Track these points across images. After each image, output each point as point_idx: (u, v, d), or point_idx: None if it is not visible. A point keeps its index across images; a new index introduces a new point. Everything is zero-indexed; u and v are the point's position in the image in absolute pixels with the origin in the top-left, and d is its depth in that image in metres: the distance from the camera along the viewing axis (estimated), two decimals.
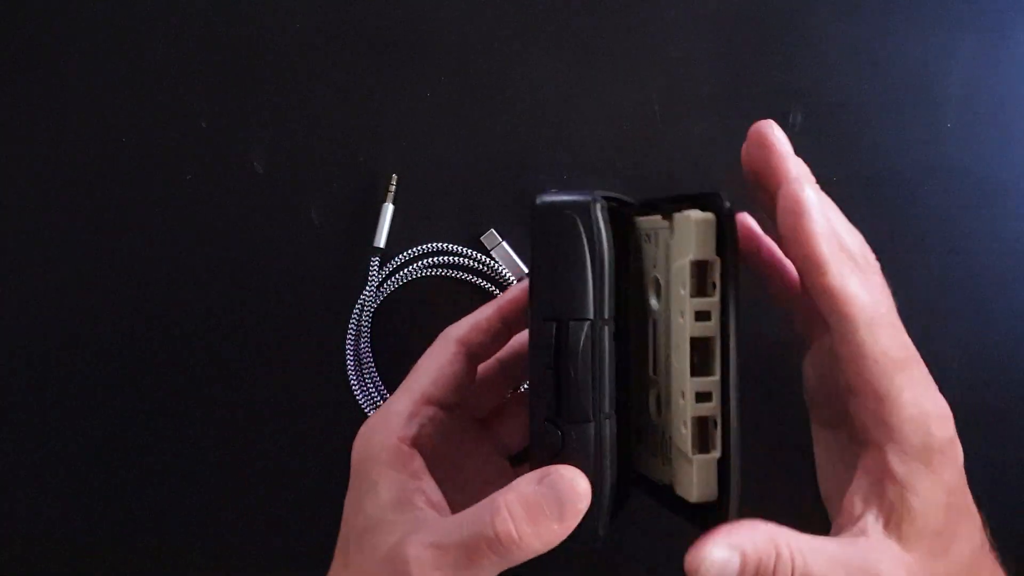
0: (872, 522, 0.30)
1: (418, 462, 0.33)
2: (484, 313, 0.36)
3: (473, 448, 0.38)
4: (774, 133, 0.32)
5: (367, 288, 0.44)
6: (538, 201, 0.30)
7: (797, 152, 0.43)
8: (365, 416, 0.44)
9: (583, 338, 0.29)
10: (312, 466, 0.44)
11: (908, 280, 0.42)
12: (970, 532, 0.31)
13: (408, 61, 0.44)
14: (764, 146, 0.33)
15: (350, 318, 0.44)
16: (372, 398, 0.44)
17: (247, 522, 0.45)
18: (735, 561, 0.29)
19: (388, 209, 0.44)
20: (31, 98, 0.46)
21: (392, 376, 0.44)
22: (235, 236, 0.45)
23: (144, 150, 0.45)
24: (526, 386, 0.41)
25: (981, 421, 0.42)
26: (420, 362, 0.35)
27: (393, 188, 0.44)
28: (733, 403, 0.30)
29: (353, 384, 0.44)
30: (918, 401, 0.30)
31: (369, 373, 0.44)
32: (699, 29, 0.44)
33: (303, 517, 0.45)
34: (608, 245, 0.30)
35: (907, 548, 0.30)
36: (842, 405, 0.32)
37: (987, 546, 0.32)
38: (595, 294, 0.30)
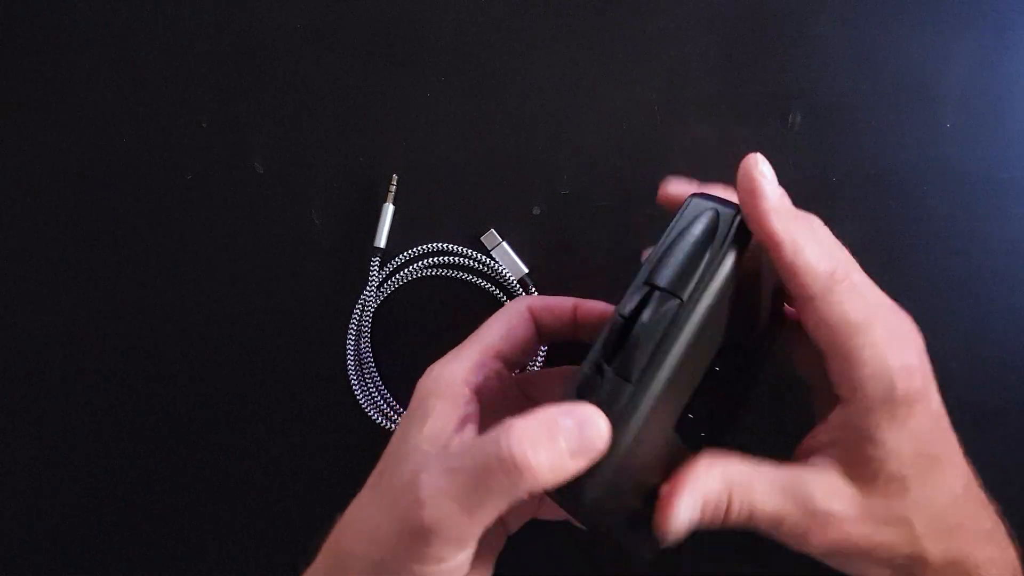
0: (822, 457, 0.32)
1: (473, 407, 0.33)
2: (562, 302, 0.37)
3: (508, 399, 0.38)
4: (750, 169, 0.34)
5: (367, 288, 0.44)
6: (692, 195, 0.33)
7: (797, 152, 0.43)
8: (365, 416, 0.44)
9: (663, 310, 0.30)
10: (313, 465, 0.44)
11: (908, 280, 0.42)
12: (943, 479, 0.32)
13: (408, 61, 0.44)
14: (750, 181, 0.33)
15: (350, 318, 0.44)
16: (372, 398, 0.44)
17: (247, 522, 0.45)
18: (697, 512, 0.31)
19: (388, 209, 0.44)
20: (31, 98, 0.46)
21: (392, 376, 0.44)
22: (235, 236, 0.45)
23: (144, 150, 0.45)
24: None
25: (981, 421, 0.42)
26: (491, 319, 0.36)
27: (393, 188, 0.44)
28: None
29: (353, 384, 0.44)
30: (879, 358, 0.31)
31: (369, 373, 0.44)
32: (699, 30, 0.44)
33: (304, 516, 0.45)
34: (731, 257, 0.31)
35: (857, 486, 0.31)
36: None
37: (970, 492, 0.33)
38: (698, 283, 0.30)
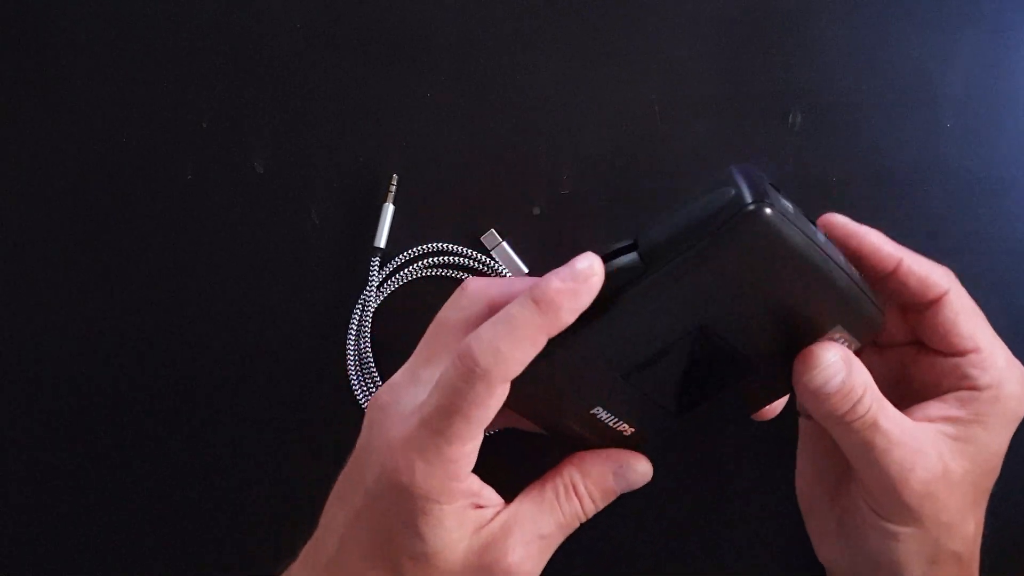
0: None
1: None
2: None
3: None
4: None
5: (367, 288, 0.44)
6: (733, 166, 0.31)
7: (797, 152, 0.43)
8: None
9: (628, 266, 0.30)
10: (312, 466, 0.44)
11: None
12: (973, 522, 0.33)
13: (408, 61, 0.44)
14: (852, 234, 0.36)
15: (350, 318, 0.44)
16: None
17: (246, 522, 0.45)
18: (841, 372, 0.31)
19: (388, 209, 0.44)
20: (32, 98, 0.46)
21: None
22: (235, 236, 0.45)
23: (144, 150, 0.45)
24: None
25: None
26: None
27: (393, 188, 0.44)
28: None
29: (353, 384, 0.44)
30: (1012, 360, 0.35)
31: (369, 373, 0.44)
32: (699, 29, 0.44)
33: (304, 517, 0.45)
34: (715, 247, 0.30)
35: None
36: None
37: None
38: (672, 257, 0.30)
